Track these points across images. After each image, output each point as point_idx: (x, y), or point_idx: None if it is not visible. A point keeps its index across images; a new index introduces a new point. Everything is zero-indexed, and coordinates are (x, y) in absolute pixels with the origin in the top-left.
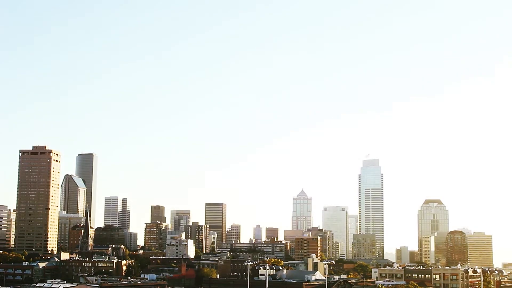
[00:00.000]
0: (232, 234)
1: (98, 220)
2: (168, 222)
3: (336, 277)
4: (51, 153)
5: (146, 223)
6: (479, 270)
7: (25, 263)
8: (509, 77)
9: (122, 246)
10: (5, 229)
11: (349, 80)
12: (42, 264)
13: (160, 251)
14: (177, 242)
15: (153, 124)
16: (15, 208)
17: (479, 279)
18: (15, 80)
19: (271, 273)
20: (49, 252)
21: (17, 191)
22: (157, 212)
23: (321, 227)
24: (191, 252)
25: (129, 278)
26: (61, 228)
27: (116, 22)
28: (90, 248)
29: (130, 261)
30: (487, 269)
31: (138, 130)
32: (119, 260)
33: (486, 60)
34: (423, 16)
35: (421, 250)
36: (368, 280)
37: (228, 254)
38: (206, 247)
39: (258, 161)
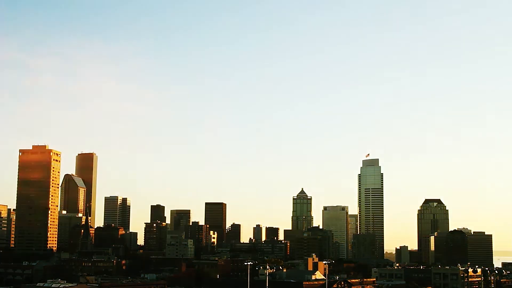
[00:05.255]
0: (232, 234)
1: (98, 220)
2: (168, 222)
3: (336, 277)
4: (51, 153)
5: (146, 223)
6: (479, 270)
7: (25, 263)
8: None
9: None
10: (5, 229)
11: (349, 79)
12: (42, 264)
13: (160, 251)
14: (177, 242)
15: (153, 124)
16: (15, 208)
17: (479, 279)
18: (15, 80)
19: (271, 272)
20: (49, 251)
21: (17, 191)
22: (157, 212)
23: (321, 227)
24: (191, 252)
25: (129, 278)
26: (61, 228)
27: (116, 20)
28: (90, 248)
29: (130, 261)
30: (487, 269)
31: (138, 130)
32: (119, 260)
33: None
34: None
35: (421, 250)
36: (368, 280)
37: (228, 254)
38: (206, 247)
39: (258, 161)
